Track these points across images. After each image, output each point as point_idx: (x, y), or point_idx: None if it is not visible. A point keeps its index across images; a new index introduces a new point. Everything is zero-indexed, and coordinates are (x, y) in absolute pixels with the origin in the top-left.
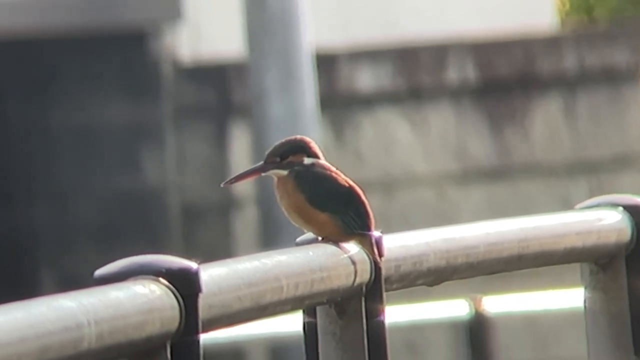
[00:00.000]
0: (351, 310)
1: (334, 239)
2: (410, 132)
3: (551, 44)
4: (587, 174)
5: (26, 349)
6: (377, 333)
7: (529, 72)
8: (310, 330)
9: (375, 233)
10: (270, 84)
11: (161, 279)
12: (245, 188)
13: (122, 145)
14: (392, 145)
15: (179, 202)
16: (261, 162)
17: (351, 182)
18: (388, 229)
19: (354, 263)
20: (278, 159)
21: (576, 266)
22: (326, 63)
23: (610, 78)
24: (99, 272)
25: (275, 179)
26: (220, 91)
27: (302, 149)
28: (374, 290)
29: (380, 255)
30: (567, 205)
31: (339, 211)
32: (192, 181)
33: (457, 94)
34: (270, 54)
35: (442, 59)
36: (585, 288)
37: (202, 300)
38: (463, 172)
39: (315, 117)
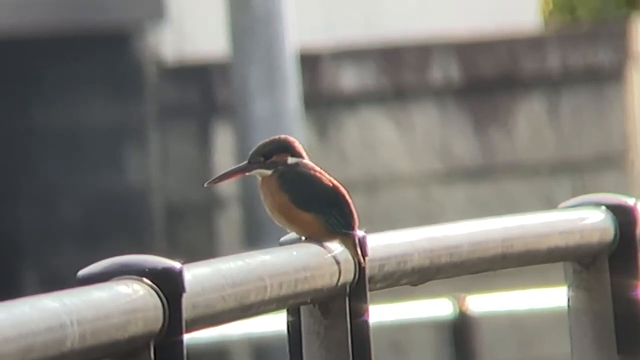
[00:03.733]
0: (335, 310)
1: (318, 239)
2: (394, 131)
3: (534, 43)
4: (570, 173)
5: (9, 349)
6: (361, 333)
7: (513, 72)
8: (294, 330)
9: (359, 233)
10: (254, 83)
11: (144, 279)
12: (228, 188)
13: (105, 145)
14: (376, 145)
15: (162, 202)
16: (245, 162)
17: (335, 182)
18: (372, 228)
19: (337, 263)
20: (262, 159)
21: (560, 265)
22: (310, 63)
23: (593, 78)
24: (82, 272)
25: (259, 179)
26: (203, 91)
27: (286, 148)
28: (358, 289)
29: (364, 254)
30: (550, 204)
31: (323, 211)
32: (176, 181)
33: (440, 93)
34: (254, 53)
35: (425, 58)
36: (569, 287)
37: (186, 300)
38: (447, 171)
39: (299, 117)
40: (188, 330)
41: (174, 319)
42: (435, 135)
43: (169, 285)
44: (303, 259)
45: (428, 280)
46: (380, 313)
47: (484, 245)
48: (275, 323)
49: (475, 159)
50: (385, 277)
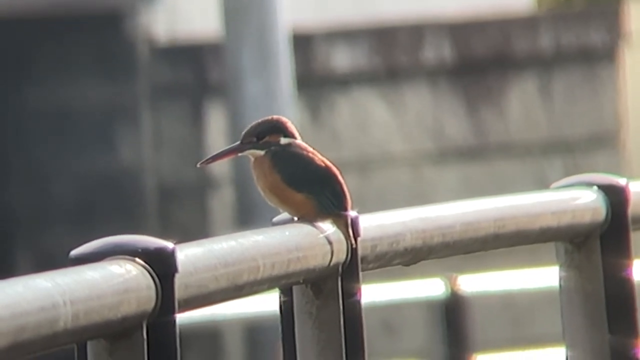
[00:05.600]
0: (327, 290)
1: (310, 219)
2: (386, 111)
3: (527, 23)
4: (562, 153)
5: (2, 329)
6: (353, 312)
7: (505, 52)
8: (286, 310)
9: (352, 213)
10: (247, 63)
11: (137, 259)
12: (221, 168)
13: (98, 125)
14: (369, 125)
15: (155, 182)
16: (237, 142)
17: (328, 162)
18: (364, 208)
19: (330, 243)
20: (254, 139)
21: (551, 245)
22: (302, 43)
23: (586, 57)
24: (74, 252)
25: (252, 159)
26: (196, 71)
27: (279, 129)
28: (350, 270)
29: (356, 235)
30: (542, 184)
31: (315, 191)
32: (168, 161)
33: (433, 73)
34: (247, 33)
35: (418, 38)
36: (561, 267)
37: (178, 280)
38: (439, 151)
39: (291, 97)
40: (180, 310)
41: (166, 299)
42: (428, 116)
43: (161, 266)
44: (295, 239)
45: (420, 260)
46: (373, 293)
47: (476, 226)
48: (267, 303)
49: (468, 139)
50: (377, 257)
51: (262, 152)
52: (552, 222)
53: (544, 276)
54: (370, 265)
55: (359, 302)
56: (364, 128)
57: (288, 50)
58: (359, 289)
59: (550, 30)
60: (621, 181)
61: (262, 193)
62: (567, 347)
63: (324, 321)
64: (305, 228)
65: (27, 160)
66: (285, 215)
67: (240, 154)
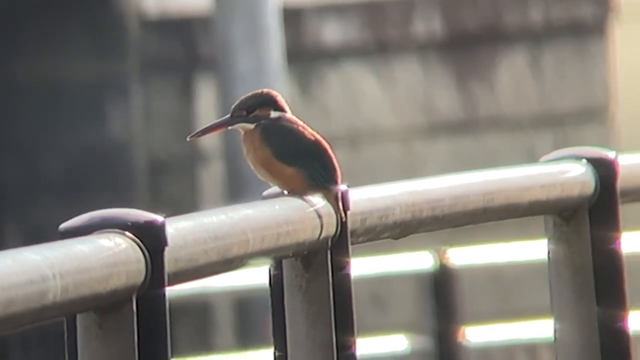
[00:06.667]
0: (317, 263)
1: (300, 193)
2: (376, 85)
3: None
4: (552, 126)
5: None
6: (342, 285)
7: (495, 26)
8: (276, 283)
9: (342, 187)
10: (237, 37)
11: (127, 233)
12: (211, 142)
13: (88, 99)
14: (359, 99)
15: (145, 156)
16: (227, 116)
17: (318, 136)
18: (354, 182)
19: (320, 217)
20: (244, 113)
21: (540, 218)
22: (293, 17)
23: (576, 31)
24: (64, 225)
25: (242, 133)
26: (186, 45)
27: (269, 102)
28: (339, 243)
29: (346, 208)
30: (532, 158)
31: (306, 165)
32: (158, 135)
33: (423, 47)
34: (237, 7)
35: (408, 12)
36: (549, 240)
37: (168, 254)
38: (429, 125)
39: (281, 71)
40: (170, 284)
41: (156, 273)
42: (418, 90)
43: (151, 239)
44: (285, 213)
45: (410, 234)
46: (362, 266)
47: (465, 199)
48: (257, 277)
49: (458, 112)
50: (367, 230)
51: (252, 126)
52: (541, 195)
53: (533, 249)
54: (360, 239)
55: (348, 275)
56: (354, 102)
57: (278, 24)
58: (349, 262)
59: (541, 3)
60: (610, 154)
61: (252, 167)
62: (555, 320)
63: (314, 294)
64: (295, 202)
65: (16, 135)
66: (275, 189)
67: (230, 128)
